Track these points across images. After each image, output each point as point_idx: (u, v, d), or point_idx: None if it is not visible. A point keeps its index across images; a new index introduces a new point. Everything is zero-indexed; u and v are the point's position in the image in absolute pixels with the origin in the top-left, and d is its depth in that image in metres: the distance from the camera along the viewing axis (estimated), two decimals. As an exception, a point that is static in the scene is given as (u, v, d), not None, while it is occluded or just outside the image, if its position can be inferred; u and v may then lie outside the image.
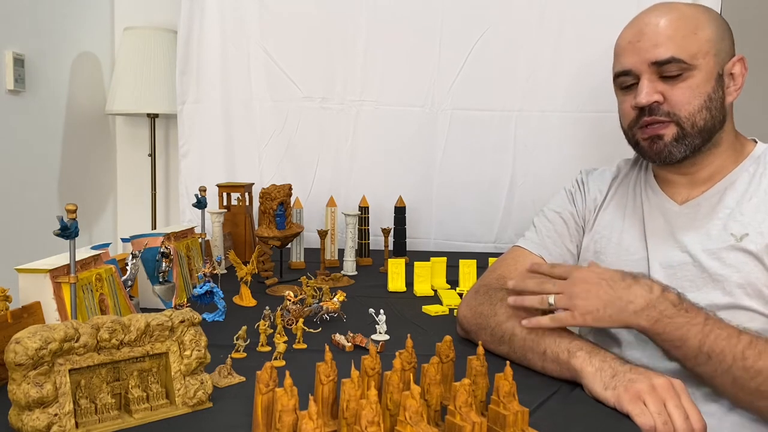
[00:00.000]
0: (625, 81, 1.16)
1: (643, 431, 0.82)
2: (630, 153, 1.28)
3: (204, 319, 1.10)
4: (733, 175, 1.14)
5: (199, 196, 1.48)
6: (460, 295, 1.47)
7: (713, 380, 0.95)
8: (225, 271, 1.65)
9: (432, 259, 1.59)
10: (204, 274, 1.25)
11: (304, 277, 1.40)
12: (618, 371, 0.89)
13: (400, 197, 1.89)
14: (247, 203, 1.85)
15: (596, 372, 0.91)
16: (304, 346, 1.10)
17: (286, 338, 1.03)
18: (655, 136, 1.13)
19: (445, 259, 1.62)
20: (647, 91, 1.11)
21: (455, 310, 1.36)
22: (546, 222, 1.32)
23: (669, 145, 1.12)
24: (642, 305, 0.95)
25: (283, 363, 1.00)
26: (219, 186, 1.85)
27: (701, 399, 0.99)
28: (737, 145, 1.17)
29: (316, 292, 1.32)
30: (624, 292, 0.97)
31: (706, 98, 1.10)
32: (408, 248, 1.89)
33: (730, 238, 1.08)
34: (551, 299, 1.00)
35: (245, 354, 1.04)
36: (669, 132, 1.11)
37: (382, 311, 1.17)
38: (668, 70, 1.09)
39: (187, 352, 0.84)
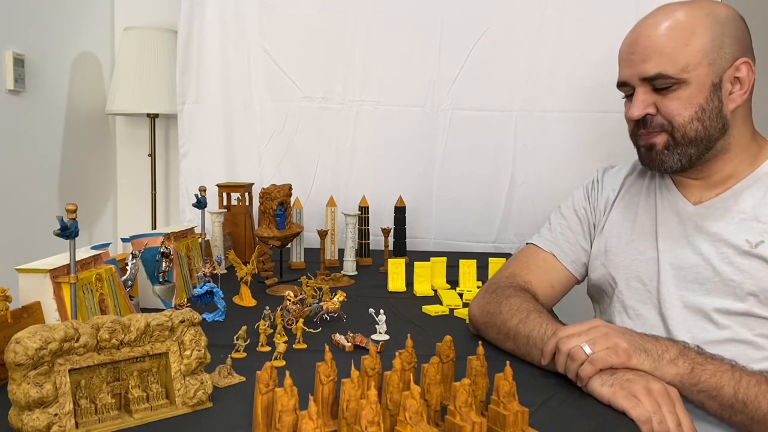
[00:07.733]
0: (624, 90, 1.17)
1: (639, 423, 0.83)
2: (627, 153, 1.28)
3: (204, 319, 1.10)
4: (751, 178, 1.12)
5: (199, 196, 1.48)
6: (460, 295, 1.47)
7: (750, 428, 0.92)
8: (225, 271, 1.64)
9: (432, 259, 1.58)
10: (204, 274, 1.25)
11: (304, 277, 1.40)
12: (618, 370, 0.91)
13: (400, 197, 1.89)
14: (247, 203, 1.85)
15: None
16: (304, 346, 1.10)
17: (286, 338, 1.03)
18: (648, 145, 1.14)
19: (445, 259, 1.62)
20: (639, 105, 1.12)
21: (455, 310, 1.36)
22: (561, 219, 1.33)
23: (661, 153, 1.12)
24: (676, 353, 0.94)
25: (283, 363, 1.00)
26: (219, 186, 1.85)
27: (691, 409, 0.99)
28: (753, 147, 1.14)
29: (316, 292, 1.32)
30: (652, 344, 0.95)
31: (698, 109, 1.08)
32: (408, 248, 1.89)
33: (744, 243, 1.07)
34: (587, 349, 0.93)
35: (245, 354, 1.04)
36: (660, 140, 1.12)
37: (382, 311, 1.17)
38: (658, 84, 1.09)
39: (187, 352, 0.84)
